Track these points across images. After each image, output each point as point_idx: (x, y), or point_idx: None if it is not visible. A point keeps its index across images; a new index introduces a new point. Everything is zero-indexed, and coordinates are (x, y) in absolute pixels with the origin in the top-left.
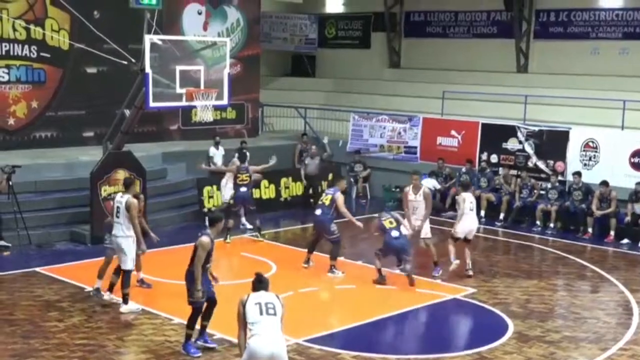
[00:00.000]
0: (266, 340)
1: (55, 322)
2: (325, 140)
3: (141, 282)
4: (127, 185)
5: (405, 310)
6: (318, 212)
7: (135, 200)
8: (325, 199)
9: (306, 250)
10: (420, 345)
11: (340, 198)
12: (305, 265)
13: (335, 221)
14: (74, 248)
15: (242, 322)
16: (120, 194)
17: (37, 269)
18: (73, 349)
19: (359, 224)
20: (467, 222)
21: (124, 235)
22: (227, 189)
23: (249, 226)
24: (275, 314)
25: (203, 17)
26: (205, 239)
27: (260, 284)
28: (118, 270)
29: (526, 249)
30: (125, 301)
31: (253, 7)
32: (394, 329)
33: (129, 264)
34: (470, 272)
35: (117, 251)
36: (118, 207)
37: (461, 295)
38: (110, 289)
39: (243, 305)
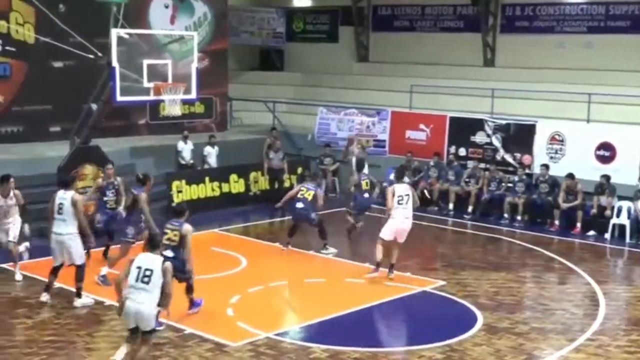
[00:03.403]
0: (133, 306)
1: (23, 318)
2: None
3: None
4: (68, 184)
5: (374, 303)
6: (299, 205)
7: (80, 197)
8: (308, 193)
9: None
10: (390, 338)
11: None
12: (284, 248)
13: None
14: (41, 244)
15: (125, 277)
16: (62, 190)
17: (4, 266)
18: (42, 345)
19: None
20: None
21: (69, 233)
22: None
23: None
24: (148, 283)
25: (170, 11)
26: None
27: (149, 243)
28: (56, 271)
29: (494, 241)
30: (79, 295)
31: (220, 0)
32: (364, 322)
33: (78, 259)
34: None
35: (61, 249)
36: (61, 204)
37: (430, 287)
38: (47, 289)
39: (130, 263)
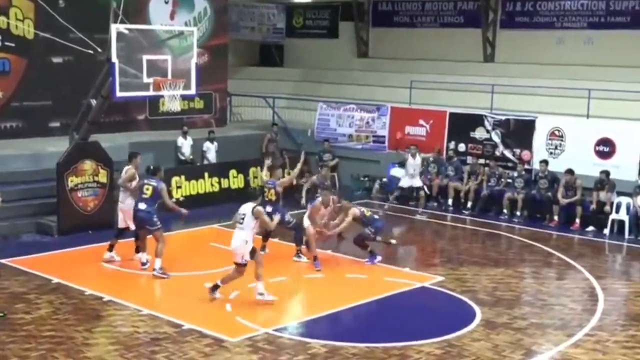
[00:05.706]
0: (233, 240)
1: (22, 314)
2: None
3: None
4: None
5: (373, 298)
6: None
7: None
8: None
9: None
10: (389, 333)
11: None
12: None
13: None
14: (40, 240)
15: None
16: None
17: (3, 261)
18: (40, 340)
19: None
20: None
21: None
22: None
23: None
24: (242, 224)
25: (170, 6)
26: None
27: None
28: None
29: (493, 237)
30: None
31: None
32: (363, 317)
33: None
34: None
35: None
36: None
37: (429, 283)
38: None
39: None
